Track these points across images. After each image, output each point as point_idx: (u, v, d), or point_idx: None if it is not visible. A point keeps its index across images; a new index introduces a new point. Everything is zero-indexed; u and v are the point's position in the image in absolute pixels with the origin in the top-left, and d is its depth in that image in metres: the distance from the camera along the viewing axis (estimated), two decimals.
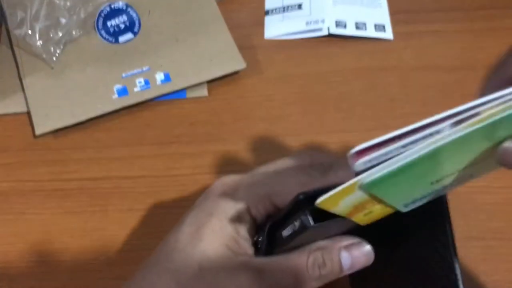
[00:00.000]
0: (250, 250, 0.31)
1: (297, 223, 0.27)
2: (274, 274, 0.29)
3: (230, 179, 0.33)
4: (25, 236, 0.44)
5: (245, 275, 0.29)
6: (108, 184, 0.47)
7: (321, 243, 0.29)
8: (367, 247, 0.29)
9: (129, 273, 0.42)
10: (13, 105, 0.52)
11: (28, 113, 0.51)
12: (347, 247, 0.29)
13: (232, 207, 0.31)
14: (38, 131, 0.49)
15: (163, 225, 0.44)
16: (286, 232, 0.28)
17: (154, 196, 0.46)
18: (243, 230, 0.31)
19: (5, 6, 0.53)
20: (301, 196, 0.26)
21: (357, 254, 0.29)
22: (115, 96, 0.51)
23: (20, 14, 0.52)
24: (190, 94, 0.52)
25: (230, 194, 0.32)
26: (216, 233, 0.30)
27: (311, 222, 0.25)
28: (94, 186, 0.47)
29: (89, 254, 0.43)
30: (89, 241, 0.44)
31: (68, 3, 0.53)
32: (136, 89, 0.51)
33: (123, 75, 0.52)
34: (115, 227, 0.45)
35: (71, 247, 0.44)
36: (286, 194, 0.28)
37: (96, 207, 0.46)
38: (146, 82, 0.52)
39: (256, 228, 0.32)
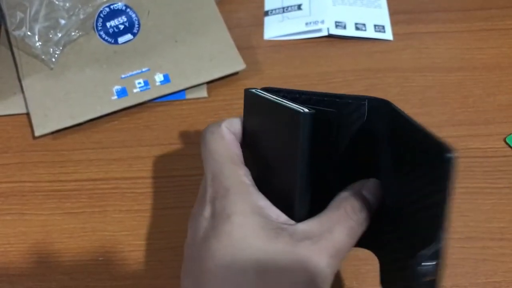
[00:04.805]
0: (283, 216, 0.29)
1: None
2: (324, 235, 0.28)
3: (220, 133, 0.33)
4: (24, 237, 0.45)
5: (306, 248, 0.28)
6: (107, 185, 0.47)
7: (343, 194, 0.30)
8: (374, 179, 0.30)
9: (128, 274, 0.43)
10: (12, 106, 0.52)
11: (27, 114, 0.51)
12: (362, 188, 0.30)
13: (243, 180, 0.30)
14: (37, 132, 0.49)
15: (162, 226, 0.45)
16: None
17: (153, 197, 0.46)
18: (263, 200, 0.30)
19: (4, 7, 0.53)
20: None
21: (372, 187, 0.30)
22: (114, 97, 0.51)
23: (19, 15, 0.52)
24: (190, 95, 0.52)
25: (236, 163, 0.31)
26: (247, 228, 0.28)
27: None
28: (93, 187, 0.47)
29: (88, 255, 0.43)
30: (88, 242, 0.44)
31: (68, 4, 0.53)
32: (135, 90, 0.51)
33: (122, 76, 0.52)
34: (114, 227, 0.45)
35: (70, 247, 0.44)
36: None
37: (95, 208, 0.46)
38: (146, 83, 0.51)
39: None
